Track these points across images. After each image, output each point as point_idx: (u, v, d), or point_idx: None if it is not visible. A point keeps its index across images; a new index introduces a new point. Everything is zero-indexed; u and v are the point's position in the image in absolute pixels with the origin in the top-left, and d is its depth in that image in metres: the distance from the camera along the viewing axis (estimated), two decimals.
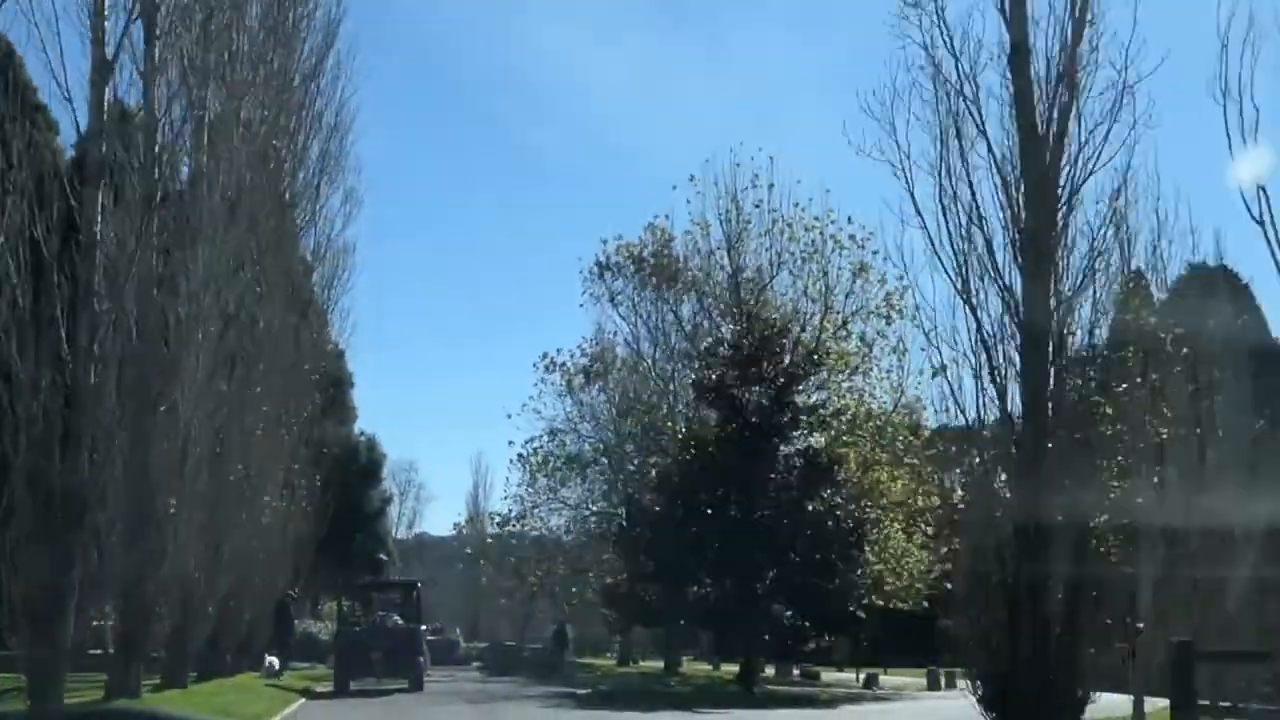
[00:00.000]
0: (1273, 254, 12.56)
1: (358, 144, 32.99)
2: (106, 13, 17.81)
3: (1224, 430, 21.06)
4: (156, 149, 20.47)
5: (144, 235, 19.37)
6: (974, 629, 17.05)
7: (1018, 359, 16.39)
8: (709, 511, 32.94)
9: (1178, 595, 18.33)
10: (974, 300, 16.80)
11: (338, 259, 34.37)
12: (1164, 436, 16.54)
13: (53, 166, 18.12)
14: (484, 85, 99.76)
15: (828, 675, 41.97)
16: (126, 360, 20.07)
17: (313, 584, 41.46)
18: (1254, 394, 22.66)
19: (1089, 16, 16.36)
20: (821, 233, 36.90)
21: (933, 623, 46.13)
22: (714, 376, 34.55)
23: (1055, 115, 16.37)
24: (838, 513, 33.04)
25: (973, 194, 16.69)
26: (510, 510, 42.55)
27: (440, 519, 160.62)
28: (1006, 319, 16.53)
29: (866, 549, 34.62)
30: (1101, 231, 16.15)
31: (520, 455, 41.43)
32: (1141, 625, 16.21)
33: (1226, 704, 17.06)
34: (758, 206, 37.87)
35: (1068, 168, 16.38)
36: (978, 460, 18.00)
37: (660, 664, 44.74)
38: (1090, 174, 16.28)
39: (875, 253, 36.16)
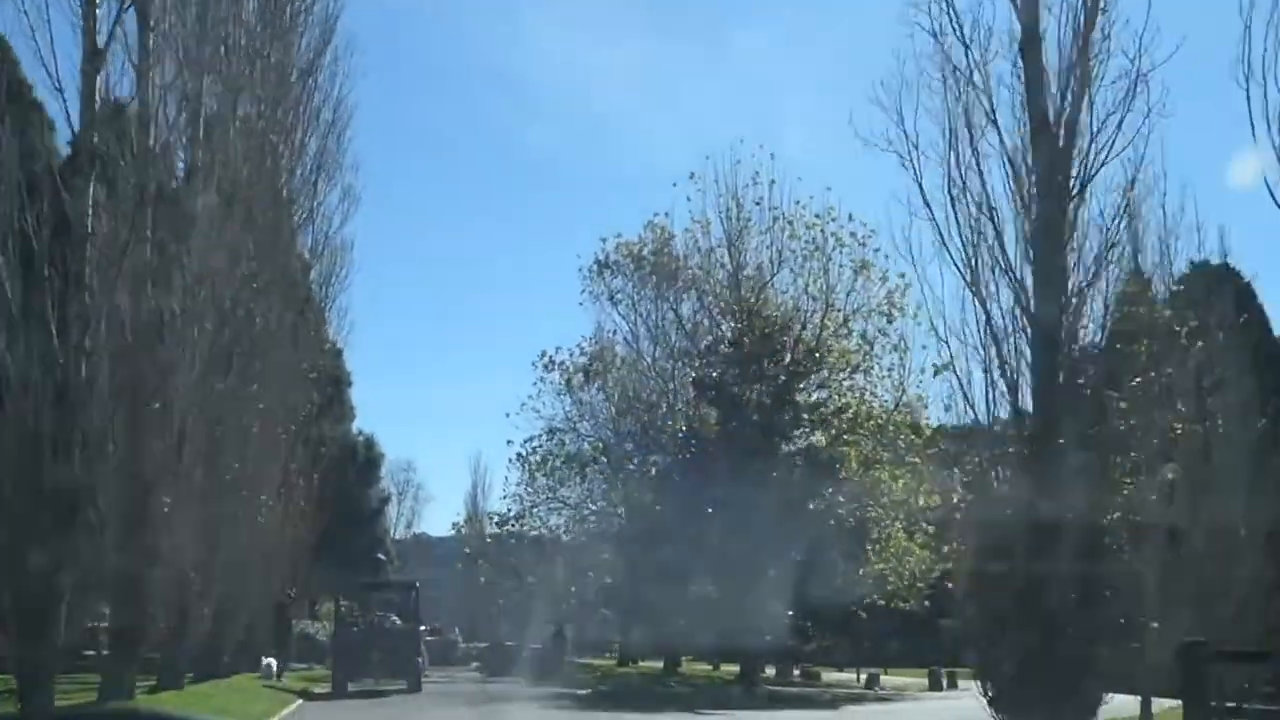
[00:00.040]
0: None
1: (355, 141, 32.49)
2: (98, 0, 17.32)
3: (1228, 429, 20.65)
4: (150, 141, 20.01)
5: (137, 228, 18.93)
6: (983, 629, 16.63)
7: (1028, 352, 15.99)
8: (710, 510, 32.47)
9: (1184, 593, 17.91)
10: (983, 293, 16.40)
11: (335, 256, 33.86)
12: (1178, 431, 16.07)
13: (45, 159, 17.61)
14: (482, 85, 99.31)
15: (828, 675, 41.54)
16: (119, 356, 19.64)
17: (310, 584, 40.97)
18: (1257, 393, 22.26)
19: (1101, 3, 15.98)
20: (823, 230, 36.45)
21: (933, 622, 45.86)
22: (715, 374, 34.10)
23: (1067, 104, 15.97)
24: (840, 511, 32.59)
25: (983, 184, 16.33)
26: (509, 510, 42.09)
27: (439, 520, 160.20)
28: (1017, 311, 16.13)
29: (868, 548, 34.15)
30: (1115, 223, 15.77)
31: (519, 455, 40.96)
32: (1156, 624, 15.74)
33: (1231, 704, 16.66)
34: (758, 204, 37.45)
35: (1080, 157, 15.99)
36: (986, 456, 17.52)
37: (659, 664, 44.31)
38: (1103, 164, 15.92)
39: (877, 250, 35.81)
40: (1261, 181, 17.44)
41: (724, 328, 37.69)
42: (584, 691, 30.58)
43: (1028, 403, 15.97)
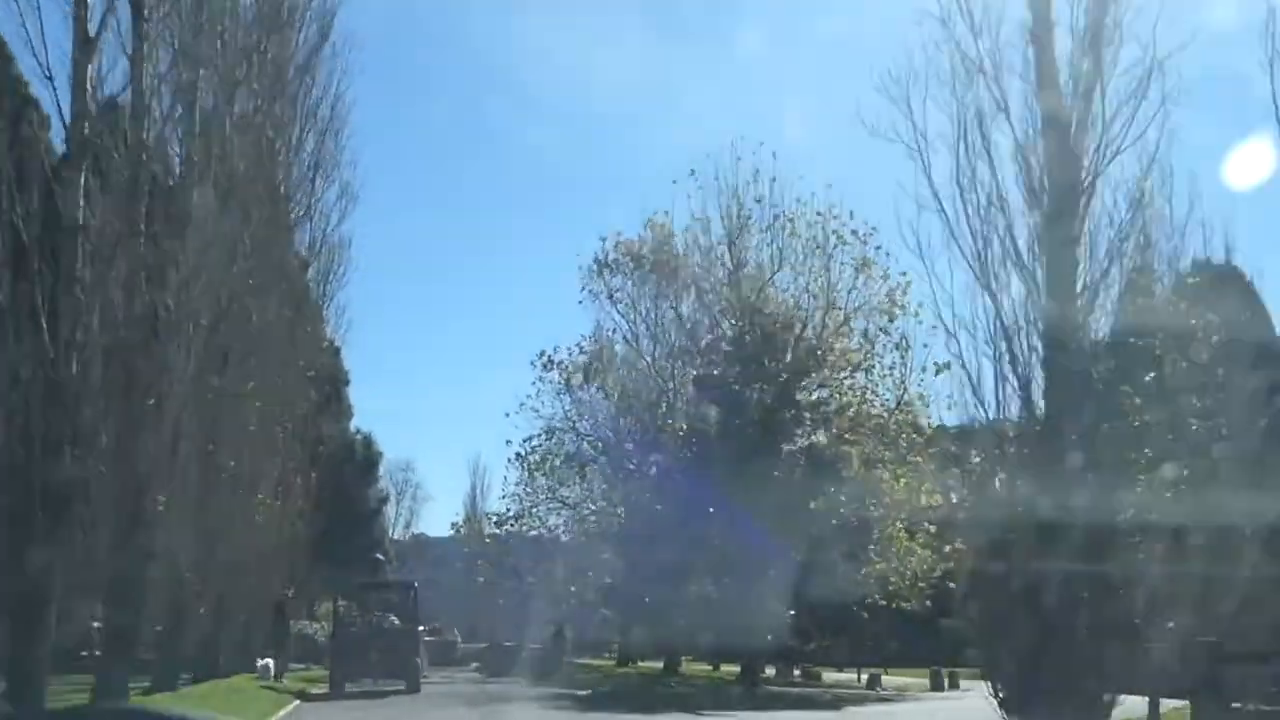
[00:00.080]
0: None
1: (353, 138, 32.07)
2: None
3: (1232, 427, 20.23)
4: (144, 134, 19.57)
5: (131, 222, 18.51)
6: (992, 630, 16.20)
7: (1040, 347, 15.57)
8: (711, 510, 32.03)
9: (1189, 592, 17.44)
10: (994, 286, 15.98)
11: (333, 254, 33.55)
12: (1194, 428, 15.64)
13: (38, 152, 17.15)
14: (481, 84, 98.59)
15: (828, 676, 41.09)
16: (113, 352, 19.22)
17: (308, 584, 40.57)
18: (1261, 391, 21.84)
19: None
20: (824, 228, 36.00)
21: (933, 623, 45.43)
22: (716, 373, 33.65)
23: (1080, 92, 15.55)
24: (842, 511, 32.15)
25: (994, 175, 15.92)
26: (508, 510, 41.62)
27: (438, 520, 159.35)
28: (1028, 305, 15.73)
29: (871, 548, 33.72)
30: (1128, 214, 15.33)
31: (518, 454, 40.49)
32: (1171, 624, 15.30)
33: (1237, 705, 16.30)
34: (759, 201, 36.97)
35: (1092, 148, 15.58)
36: (995, 453, 17.09)
37: (659, 664, 43.87)
38: (1116, 154, 15.51)
39: (878, 248, 35.39)
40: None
41: (724, 326, 37.24)
42: (584, 692, 30.13)
43: (1038, 398, 15.51)
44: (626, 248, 39.80)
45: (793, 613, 33.55)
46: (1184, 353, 15.57)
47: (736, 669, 38.37)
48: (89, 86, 16.91)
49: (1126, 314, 15.53)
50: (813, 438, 35.51)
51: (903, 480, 35.47)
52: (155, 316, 20.99)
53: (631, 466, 39.10)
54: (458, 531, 49.12)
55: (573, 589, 41.14)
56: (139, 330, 20.11)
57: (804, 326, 36.00)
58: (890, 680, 37.89)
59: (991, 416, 15.91)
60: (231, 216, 24.45)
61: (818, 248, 36.06)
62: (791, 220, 36.37)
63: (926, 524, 35.24)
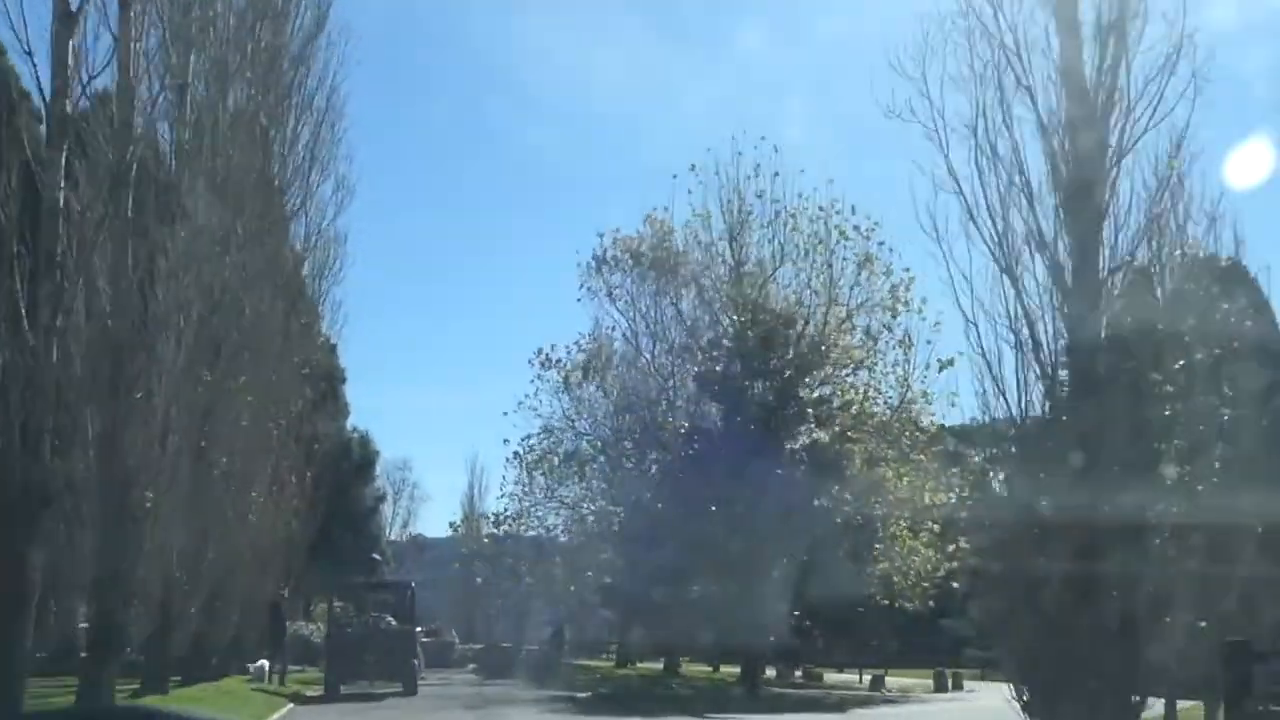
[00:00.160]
0: None
1: (350, 131, 31.19)
2: None
3: (1241, 422, 19.41)
4: (131, 115, 18.64)
5: (117, 204, 17.59)
6: (1017, 632, 15.32)
7: (1065, 331, 14.71)
8: (712, 509, 31.16)
9: (1228, 591, 16.58)
10: (1015, 270, 15.11)
11: (329, 248, 32.66)
12: (1226, 417, 14.78)
13: (15, 127, 16.21)
14: (480, 83, 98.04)
15: (830, 676, 40.25)
16: (98, 340, 18.32)
17: (304, 585, 39.60)
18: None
19: None
20: (826, 223, 35.21)
21: (934, 623, 44.62)
22: (717, 370, 32.82)
23: (1105, 67, 14.70)
24: (846, 509, 31.31)
25: (1015, 152, 15.01)
26: (506, 509, 40.75)
27: (436, 521, 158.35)
28: (1053, 289, 14.85)
29: (876, 547, 32.88)
30: (1158, 193, 14.47)
31: (516, 453, 39.65)
32: (1204, 624, 14.44)
33: (1261, 707, 15.49)
34: (760, 197, 36.18)
35: (1119, 125, 14.71)
36: (1014, 444, 16.20)
37: (659, 665, 43.03)
38: (1145, 131, 14.62)
39: (881, 243, 34.71)
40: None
41: (725, 323, 36.40)
42: (583, 694, 29.26)
43: (1063, 385, 14.64)
44: (625, 244, 38.99)
45: (796, 613, 32.68)
46: (1217, 338, 14.68)
47: (736, 670, 37.57)
48: (70, 62, 16.02)
49: (1153, 299, 14.67)
50: (815, 435, 34.67)
51: (905, 479, 34.67)
52: (144, 306, 20.11)
53: (630, 465, 38.27)
54: (455, 531, 48.22)
55: (571, 589, 40.28)
56: (126, 320, 19.21)
57: (806, 323, 35.19)
58: (892, 681, 37.07)
59: (1013, 405, 15.03)
60: (224, 206, 23.58)
61: (819, 243, 35.31)
62: (793, 216, 35.61)
63: (930, 523, 34.45)
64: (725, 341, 34.60)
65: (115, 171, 17.40)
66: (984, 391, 15.17)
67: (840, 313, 35.54)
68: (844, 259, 35.18)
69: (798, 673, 40.37)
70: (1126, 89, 14.70)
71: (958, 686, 35.64)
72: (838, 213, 34.91)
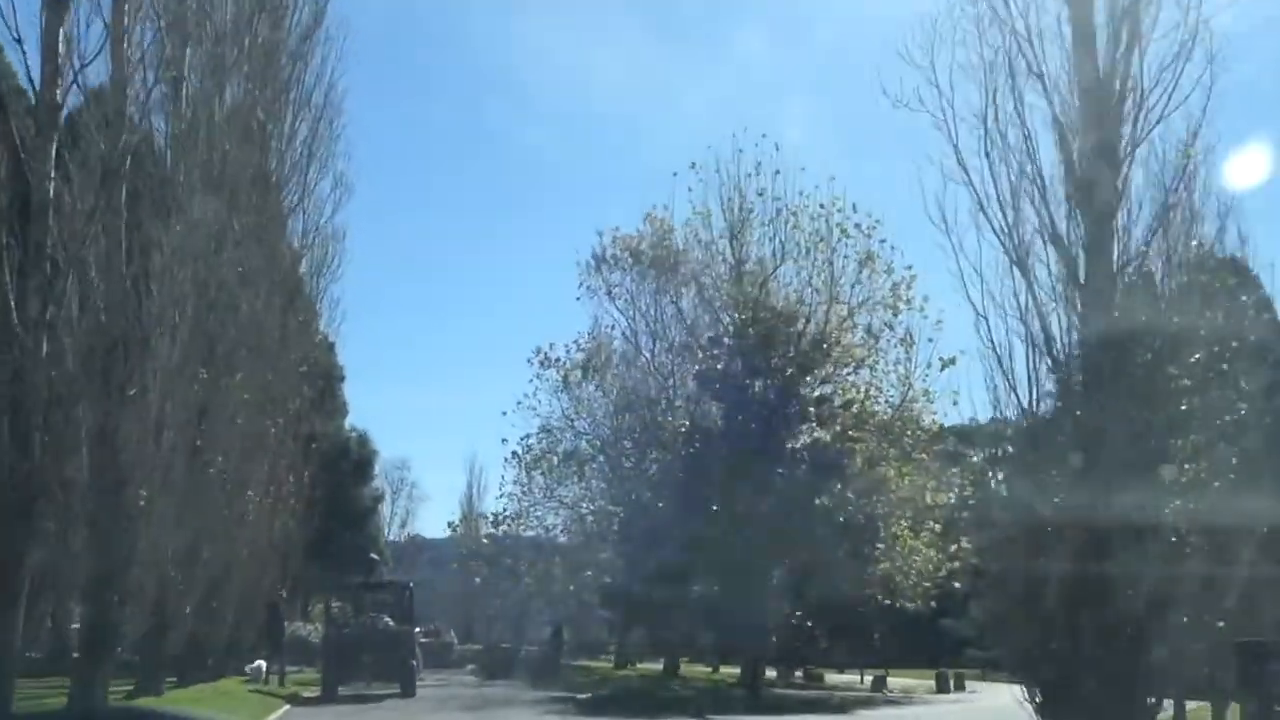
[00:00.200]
0: None
1: (348, 129, 30.81)
2: None
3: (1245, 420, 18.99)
4: (124, 105, 18.19)
5: (108, 197, 17.17)
6: (1019, 631, 14.89)
7: (1078, 324, 14.30)
8: (714, 508, 30.71)
9: (1241, 591, 16.16)
10: (1026, 262, 14.70)
11: (327, 246, 32.29)
12: (1243, 412, 14.35)
13: (3, 116, 15.78)
14: (479, 82, 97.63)
15: (831, 677, 39.82)
16: (91, 335, 17.88)
17: (301, 584, 39.16)
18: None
19: None
20: (827, 221, 34.72)
21: (934, 623, 44.19)
22: (719, 368, 32.38)
23: (1118, 54, 14.29)
24: (849, 508, 30.86)
25: (1027, 143, 14.59)
26: (505, 509, 40.27)
27: (434, 522, 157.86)
28: (1065, 281, 14.43)
29: (879, 546, 32.44)
30: (1173, 183, 14.06)
31: (514, 453, 39.19)
32: (1222, 624, 14.01)
33: None
34: (760, 195, 35.70)
35: (1133, 113, 14.30)
36: (1025, 443, 15.76)
37: (658, 666, 42.59)
38: (1159, 120, 14.21)
39: (883, 241, 34.25)
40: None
41: (725, 321, 35.96)
42: (583, 695, 28.80)
43: (1075, 379, 14.22)
44: (625, 243, 38.54)
45: (799, 613, 32.23)
46: (1234, 331, 14.27)
47: (736, 670, 37.12)
48: (61, 50, 15.62)
49: (1172, 290, 14.26)
50: (816, 434, 34.24)
51: (907, 478, 34.25)
52: (139, 301, 19.67)
53: (630, 465, 37.83)
54: (454, 531, 47.76)
55: (570, 589, 39.83)
56: (120, 315, 18.78)
57: (807, 321, 34.75)
58: (894, 682, 36.64)
59: (1024, 399, 14.62)
60: (220, 201, 23.17)
61: (820, 241, 34.77)
62: (794, 213, 35.09)
63: (932, 522, 34.05)
64: (726, 340, 34.15)
65: (107, 162, 16.99)
66: (994, 386, 14.77)
67: (841, 311, 35.04)
68: (845, 257, 34.67)
69: (798, 673, 39.93)
70: (1140, 76, 14.31)
71: (960, 687, 35.23)
72: (839, 210, 34.41)
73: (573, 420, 39.25)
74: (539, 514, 39.72)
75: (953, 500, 33.59)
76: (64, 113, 16.66)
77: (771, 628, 32.49)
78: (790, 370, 32.38)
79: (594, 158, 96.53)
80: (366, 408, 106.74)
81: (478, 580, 44.25)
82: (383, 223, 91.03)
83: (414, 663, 28.84)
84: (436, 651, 42.95)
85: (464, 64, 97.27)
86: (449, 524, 55.90)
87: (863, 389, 35.38)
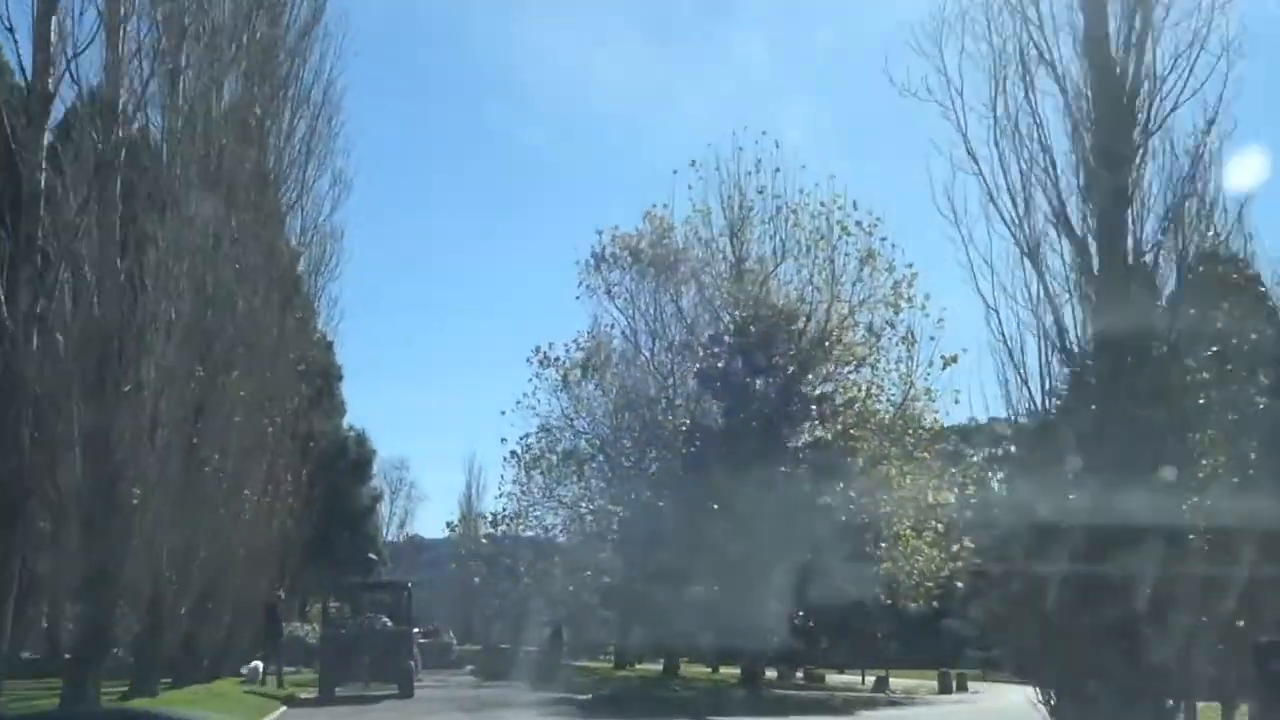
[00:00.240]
0: None
1: (347, 126, 30.31)
2: None
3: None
4: (118, 97, 17.78)
5: (101, 188, 16.75)
6: (1042, 633, 14.47)
7: (1091, 317, 13.91)
8: (714, 507, 30.30)
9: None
10: (1038, 253, 14.32)
11: (325, 244, 31.77)
12: (1262, 405, 13.95)
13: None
14: (477, 83, 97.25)
15: (832, 678, 39.40)
16: (84, 330, 17.47)
17: (299, 584, 38.72)
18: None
19: None
20: (828, 219, 34.40)
21: (934, 623, 43.80)
22: (719, 366, 32.00)
23: (1133, 40, 13.91)
24: (851, 507, 30.47)
25: (1038, 132, 14.21)
26: (504, 509, 39.84)
27: (433, 522, 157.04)
28: (1077, 273, 14.05)
29: (882, 545, 32.05)
30: (1189, 172, 13.67)
31: (513, 452, 38.75)
32: (1242, 623, 13.60)
33: None
34: (760, 193, 35.40)
35: (1147, 100, 13.92)
36: (1036, 438, 15.36)
37: (658, 667, 42.16)
38: (1174, 108, 13.83)
39: (884, 239, 33.94)
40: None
41: (726, 320, 35.59)
42: (584, 696, 28.35)
43: (1089, 372, 13.82)
44: (624, 241, 38.13)
45: (801, 613, 31.81)
46: (1253, 323, 13.89)
47: (736, 671, 36.72)
48: (53, 39, 15.21)
49: (1189, 281, 13.86)
50: (817, 433, 33.86)
51: (909, 477, 33.88)
52: (133, 295, 19.25)
53: (629, 464, 37.43)
54: (453, 531, 47.27)
55: (570, 590, 39.36)
56: (115, 310, 18.36)
57: (808, 319, 34.40)
58: (895, 682, 36.23)
59: (1035, 393, 14.23)
60: (216, 195, 22.76)
61: (821, 238, 34.47)
62: (795, 211, 34.81)
63: (934, 522, 33.68)
64: (727, 337, 33.79)
65: (101, 154, 16.57)
66: (1006, 380, 14.38)
67: (842, 309, 34.72)
68: (846, 255, 34.37)
69: (799, 674, 39.52)
70: (1154, 63, 13.92)
71: (962, 687, 34.84)
72: (840, 208, 34.14)
73: (572, 420, 38.83)
74: (538, 514, 39.30)
75: (952, 500, 33.32)
76: (56, 103, 16.36)
77: (772, 628, 32.07)
78: (792, 368, 32.03)
79: (593, 158, 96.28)
80: (365, 407, 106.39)
81: (476, 580, 43.78)
82: (382, 222, 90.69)
83: (412, 663, 28.37)
84: (435, 652, 42.48)
85: (463, 64, 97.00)
86: (448, 524, 55.36)
87: (864, 388, 35.04)
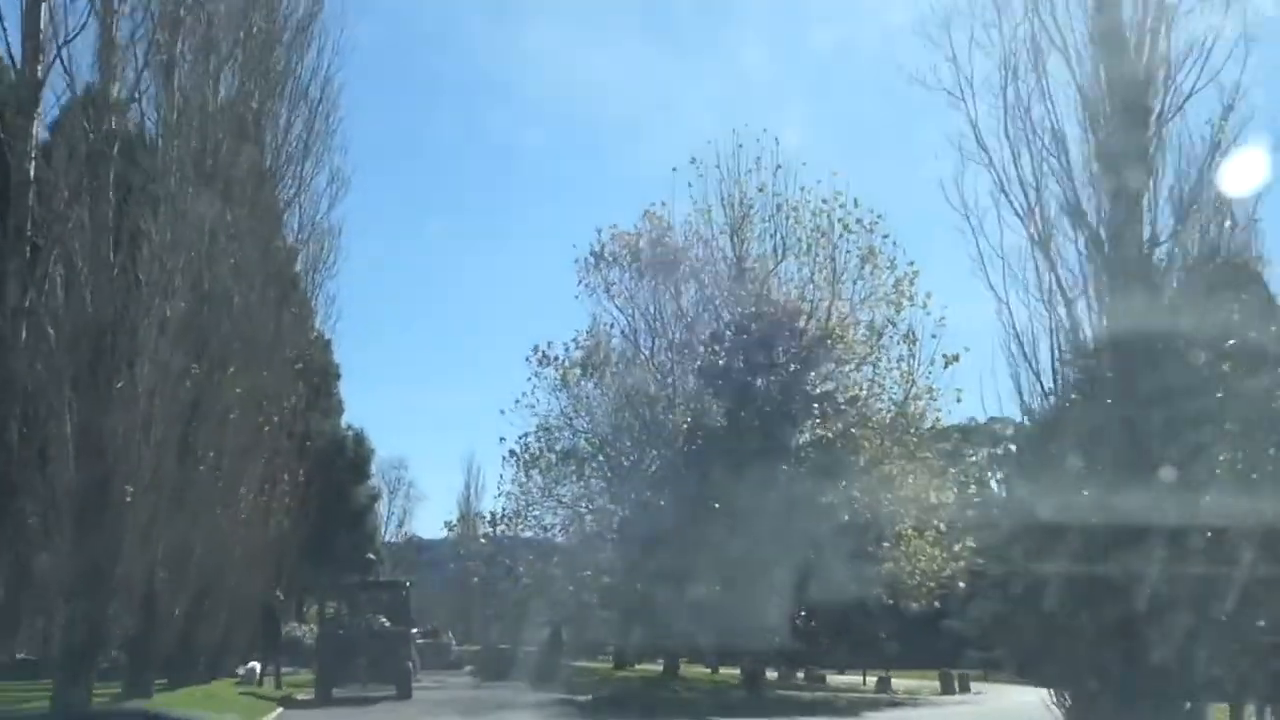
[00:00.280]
0: None
1: (345, 124, 29.95)
2: None
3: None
4: (111, 87, 17.35)
5: (92, 174, 16.32)
6: (1058, 635, 14.06)
7: (1106, 308, 13.51)
8: (716, 506, 29.89)
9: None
10: (1050, 244, 13.92)
11: (323, 241, 31.40)
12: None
13: None
14: (476, 84, 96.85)
15: (832, 678, 38.99)
16: (75, 323, 17.05)
17: (296, 584, 38.26)
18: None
19: None
20: (829, 217, 33.98)
21: (934, 624, 43.37)
22: (720, 363, 31.59)
23: (1147, 24, 13.52)
24: (855, 507, 30.05)
25: (1050, 118, 13.82)
26: (503, 508, 39.39)
27: (431, 523, 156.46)
28: (1091, 263, 13.65)
29: (885, 544, 31.64)
30: (1206, 160, 13.28)
31: (511, 451, 38.32)
32: (1263, 623, 13.18)
33: None
34: (761, 190, 34.98)
35: (1162, 86, 13.53)
36: (1045, 441, 14.95)
37: (658, 667, 41.73)
38: (1190, 94, 13.43)
39: (885, 237, 33.55)
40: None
41: (726, 318, 35.18)
42: (584, 697, 27.94)
43: (1104, 366, 13.42)
44: (624, 240, 37.70)
45: (804, 613, 31.40)
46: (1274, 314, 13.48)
47: (735, 672, 36.28)
48: (43, 25, 14.81)
49: (1207, 272, 13.47)
50: (818, 431, 33.46)
51: (911, 477, 33.47)
52: (127, 289, 18.81)
53: (629, 463, 37.01)
54: (451, 531, 46.84)
55: (570, 590, 38.92)
56: (107, 303, 17.92)
57: (809, 317, 34.01)
58: (896, 683, 35.81)
59: (1047, 387, 13.83)
60: (211, 190, 22.37)
61: (822, 236, 34.06)
62: (795, 209, 34.38)
63: (936, 522, 33.27)
64: (728, 331, 33.40)
65: (92, 143, 16.16)
66: (1017, 374, 13.98)
67: (844, 307, 34.35)
68: (847, 253, 33.98)
69: (799, 674, 39.10)
70: (1170, 49, 13.52)
71: (965, 688, 34.43)
72: (840, 206, 33.73)
73: (571, 419, 38.35)
74: (537, 513, 38.81)
75: (952, 500, 32.93)
76: (49, 97, 15.99)
77: (773, 628, 31.65)
78: (794, 367, 31.62)
79: (593, 159, 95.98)
80: (363, 406, 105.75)
81: (476, 580, 43.37)
82: (381, 222, 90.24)
83: (410, 664, 27.94)
84: (434, 653, 42.07)
85: (462, 63, 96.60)
86: (446, 524, 54.98)
87: (865, 386, 34.66)
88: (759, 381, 31.46)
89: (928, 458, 33.75)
